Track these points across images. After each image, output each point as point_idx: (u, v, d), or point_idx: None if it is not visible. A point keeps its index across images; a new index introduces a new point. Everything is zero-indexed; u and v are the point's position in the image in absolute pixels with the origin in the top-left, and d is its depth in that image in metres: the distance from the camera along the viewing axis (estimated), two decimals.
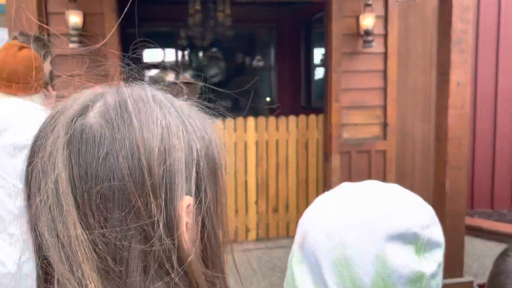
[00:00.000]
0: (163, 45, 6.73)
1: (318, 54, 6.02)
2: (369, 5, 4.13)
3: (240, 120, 4.36)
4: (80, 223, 0.39)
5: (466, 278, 3.25)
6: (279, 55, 6.77)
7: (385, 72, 4.42)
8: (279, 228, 4.63)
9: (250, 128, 4.38)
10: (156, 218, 0.41)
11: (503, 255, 0.89)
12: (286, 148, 4.50)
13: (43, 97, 1.97)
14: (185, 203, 0.43)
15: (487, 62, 4.79)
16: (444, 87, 3.11)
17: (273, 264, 3.96)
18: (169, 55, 6.71)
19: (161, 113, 0.45)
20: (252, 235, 4.53)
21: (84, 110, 0.44)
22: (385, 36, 4.38)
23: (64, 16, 3.63)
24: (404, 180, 5.11)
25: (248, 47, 6.98)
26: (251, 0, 4.20)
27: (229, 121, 4.36)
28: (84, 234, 0.39)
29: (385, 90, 4.44)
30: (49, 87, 2.09)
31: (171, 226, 0.42)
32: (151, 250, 0.41)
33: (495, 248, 4.21)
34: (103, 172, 0.40)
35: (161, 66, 6.82)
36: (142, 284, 0.40)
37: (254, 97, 5.33)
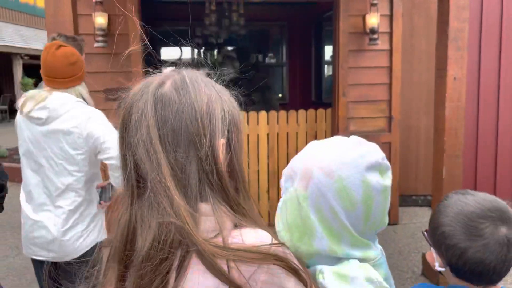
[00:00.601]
0: (180, 43, 7.04)
1: (328, 51, 6.26)
2: (374, 4, 4.37)
3: (252, 114, 4.64)
4: (162, 149, 0.69)
5: None
6: (291, 52, 7.03)
7: (390, 68, 4.66)
8: None
9: (262, 121, 4.66)
10: (205, 149, 0.70)
11: (441, 205, 1.16)
12: (296, 140, 4.77)
13: (85, 86, 2.25)
14: (221, 143, 0.73)
15: (490, 58, 4.99)
16: (441, 81, 3.35)
17: None
18: (186, 53, 7.03)
19: (205, 87, 0.74)
20: (264, 221, 4.81)
21: (161, 84, 0.73)
22: (390, 34, 4.61)
23: (91, 18, 3.96)
24: (409, 170, 5.36)
25: (261, 44, 7.26)
26: (264, 1, 4.45)
27: (243, 114, 4.64)
28: (164, 156, 0.69)
29: (390, 85, 4.68)
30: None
31: (213, 155, 0.72)
32: (202, 168, 0.70)
33: None
34: (175, 120, 0.70)
35: (178, 63, 7.14)
36: (197, 188, 0.70)
37: (265, 92, 5.60)
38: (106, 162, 2.07)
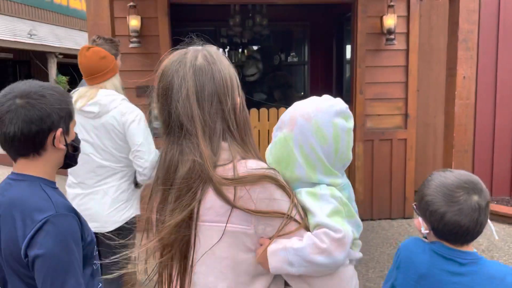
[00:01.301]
0: (206, 43, 7.36)
1: (349, 50, 6.45)
2: (391, 6, 4.56)
3: (273, 110, 4.90)
4: (197, 107, 0.99)
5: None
6: (313, 52, 7.24)
7: (406, 67, 4.84)
8: None
9: None
10: (228, 105, 1.02)
11: (425, 181, 1.40)
12: None
13: (118, 80, 2.55)
14: (238, 100, 1.04)
15: (488, 57, 5.12)
16: (451, 80, 3.53)
17: None
18: None
19: (223, 58, 1.05)
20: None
21: (195, 58, 1.03)
22: (407, 34, 4.79)
23: (126, 20, 4.30)
24: (426, 166, 5.51)
25: (284, 44, 7.50)
26: (287, 3, 4.68)
27: (263, 111, 4.92)
28: (198, 112, 0.99)
29: (406, 84, 4.86)
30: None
31: (233, 109, 1.03)
32: (225, 118, 1.02)
33: (507, 229, 4.57)
34: (209, 84, 1.00)
35: None
36: (220, 132, 1.00)
37: (286, 90, 5.84)
38: (135, 166, 2.38)
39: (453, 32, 3.48)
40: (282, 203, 0.98)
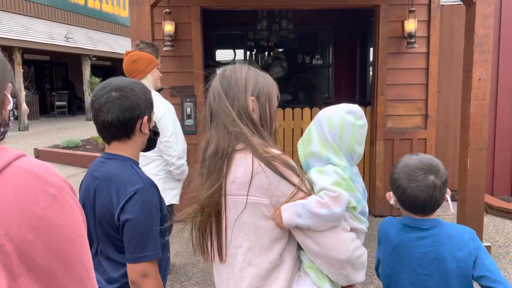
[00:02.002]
0: (235, 46, 7.70)
1: (372, 53, 6.64)
2: (412, 11, 4.76)
3: (297, 110, 5.17)
4: (225, 103, 1.30)
5: (485, 244, 3.84)
6: (337, 54, 7.46)
7: (427, 69, 5.02)
8: None
9: (306, 117, 5.17)
10: (242, 100, 1.31)
11: (396, 162, 1.65)
12: None
13: (153, 80, 2.90)
14: (250, 99, 1.32)
15: (509, 60, 5.24)
16: (467, 82, 3.71)
17: None
18: (239, 55, 7.66)
19: (247, 70, 1.36)
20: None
21: (224, 70, 1.34)
22: (428, 38, 4.97)
23: (161, 26, 4.65)
24: (446, 166, 5.61)
25: (309, 47, 7.74)
26: (313, 8, 4.91)
27: (288, 111, 5.19)
28: (228, 106, 1.30)
29: (427, 85, 5.04)
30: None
31: (246, 104, 1.32)
32: (239, 112, 1.31)
33: None
34: (231, 87, 1.32)
35: (232, 64, 7.80)
36: (239, 126, 1.28)
37: (310, 91, 6.09)
38: (165, 156, 2.71)
39: (469, 36, 3.67)
40: (294, 178, 1.27)
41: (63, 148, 9.24)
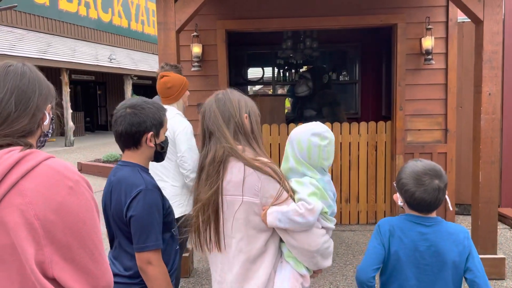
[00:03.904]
0: (264, 64, 8.04)
1: None
2: (429, 29, 4.91)
3: None
4: (221, 118, 1.57)
5: (499, 255, 3.87)
6: (363, 71, 7.63)
7: (446, 85, 5.12)
8: (351, 216, 5.52)
9: None
10: (237, 118, 1.58)
11: (402, 167, 1.85)
12: (358, 149, 5.40)
13: (183, 103, 3.24)
14: (245, 116, 1.60)
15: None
16: (478, 96, 3.82)
17: (341, 240, 4.90)
18: (268, 72, 7.98)
19: (237, 94, 1.64)
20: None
21: (217, 94, 1.63)
22: (446, 54, 5.09)
23: (189, 48, 5.04)
24: (469, 180, 5.66)
25: (336, 64, 7.96)
26: (339, 27, 5.14)
27: None
28: (223, 122, 1.57)
29: (445, 100, 5.14)
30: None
31: (241, 121, 1.59)
32: (237, 127, 1.58)
33: None
34: (224, 107, 1.59)
35: (260, 82, 8.12)
36: (233, 137, 1.56)
37: (334, 107, 6.28)
38: (181, 169, 3.02)
39: (478, 53, 3.80)
40: (275, 183, 1.53)
41: (104, 162, 9.83)
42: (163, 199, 1.81)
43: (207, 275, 4.01)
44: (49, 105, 1.21)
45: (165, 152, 1.93)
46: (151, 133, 1.79)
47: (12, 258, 1.01)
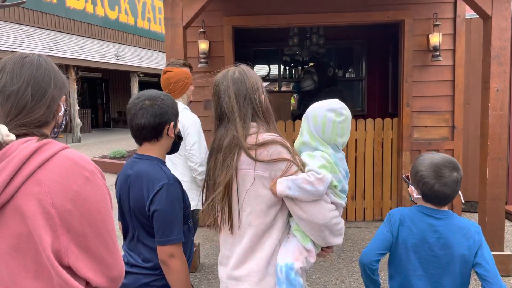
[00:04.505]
0: (270, 61, 8.04)
1: None
2: (437, 25, 4.89)
3: None
4: (235, 102, 1.57)
5: (506, 252, 3.86)
6: (370, 67, 7.61)
7: (453, 81, 5.10)
8: (357, 213, 5.52)
9: None
10: (256, 99, 1.60)
11: (418, 160, 1.85)
12: (364, 145, 5.40)
13: (187, 97, 3.26)
14: (263, 96, 1.63)
15: None
16: (485, 93, 3.80)
17: (347, 237, 4.90)
18: (273, 69, 7.98)
19: (252, 71, 1.63)
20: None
21: (233, 73, 1.62)
22: (453, 51, 5.07)
23: (196, 44, 5.05)
24: (476, 177, 5.63)
25: (342, 60, 7.94)
26: (345, 24, 5.13)
27: None
28: (236, 106, 1.58)
29: (453, 97, 5.12)
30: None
31: (260, 102, 1.61)
32: (254, 108, 1.59)
33: None
34: (243, 88, 1.59)
35: (266, 78, 8.12)
36: (250, 117, 1.58)
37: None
38: (189, 162, 3.03)
39: (487, 49, 3.78)
40: (285, 155, 1.53)
41: (110, 158, 9.88)
42: (183, 192, 1.82)
43: (213, 270, 4.03)
44: (64, 97, 1.23)
45: (181, 142, 1.93)
46: (172, 123, 1.81)
47: (27, 247, 1.03)
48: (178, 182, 1.78)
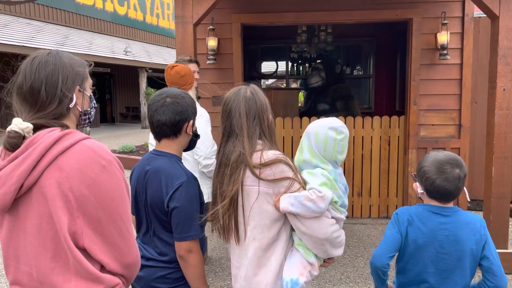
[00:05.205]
0: (278, 58, 8.08)
1: None
2: (445, 24, 4.90)
3: (339, 118, 5.41)
4: (245, 121, 1.64)
5: (510, 250, 3.90)
6: (377, 65, 7.62)
7: (460, 80, 5.12)
8: (363, 210, 5.57)
9: None
10: (265, 119, 1.68)
11: (424, 157, 1.90)
12: (371, 143, 5.44)
13: (193, 91, 3.34)
14: (271, 116, 1.70)
15: None
16: (492, 92, 3.83)
17: (353, 233, 4.96)
18: (281, 66, 8.02)
19: (261, 92, 1.69)
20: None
21: (245, 92, 1.68)
22: (461, 49, 5.08)
23: (205, 41, 5.11)
24: (483, 175, 5.65)
25: (350, 58, 7.96)
26: (353, 22, 5.15)
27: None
28: (245, 124, 1.64)
29: (460, 96, 5.14)
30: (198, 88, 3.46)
31: (268, 122, 1.69)
32: (262, 128, 1.66)
33: None
34: (253, 107, 1.65)
35: (274, 75, 8.17)
36: (257, 135, 1.65)
37: (348, 100, 6.30)
38: (195, 155, 3.10)
39: (494, 48, 3.80)
40: (288, 173, 1.60)
41: (119, 152, 10.00)
42: (199, 189, 1.86)
43: (221, 263, 4.11)
44: (77, 87, 1.27)
45: (197, 140, 1.98)
46: (191, 121, 1.85)
47: (48, 227, 1.12)
48: (195, 179, 1.82)
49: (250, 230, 1.65)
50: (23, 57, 1.27)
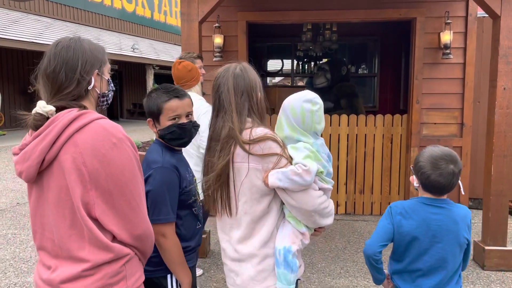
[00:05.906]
0: (283, 56, 8.15)
1: None
2: (448, 23, 4.95)
3: (335, 116, 5.49)
4: (234, 96, 1.70)
5: (509, 247, 3.94)
6: (382, 64, 7.66)
7: (463, 79, 5.16)
8: (364, 207, 5.63)
9: (343, 124, 5.48)
10: (254, 96, 1.73)
11: (420, 152, 1.97)
12: (373, 141, 5.49)
13: (199, 86, 3.43)
14: (259, 94, 1.75)
15: None
16: (492, 91, 3.88)
17: (354, 229, 5.02)
18: (287, 65, 8.09)
19: (252, 69, 1.76)
20: (341, 209, 5.62)
21: (234, 69, 1.74)
22: (464, 49, 5.12)
23: (211, 38, 5.20)
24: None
25: (355, 57, 8.01)
26: (358, 21, 5.20)
27: (335, 117, 5.50)
28: (234, 99, 1.70)
29: (462, 95, 5.18)
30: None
31: (257, 99, 1.74)
32: (251, 104, 1.72)
33: None
34: (242, 84, 1.71)
35: (279, 73, 8.24)
36: (246, 112, 1.71)
37: (352, 99, 6.35)
38: (200, 149, 3.18)
39: (495, 47, 3.84)
40: (276, 149, 1.67)
41: None
42: (181, 179, 1.94)
43: None
44: (95, 71, 1.37)
45: (196, 130, 2.09)
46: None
47: (66, 198, 1.24)
48: (174, 168, 1.90)
49: (242, 204, 1.72)
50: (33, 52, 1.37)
